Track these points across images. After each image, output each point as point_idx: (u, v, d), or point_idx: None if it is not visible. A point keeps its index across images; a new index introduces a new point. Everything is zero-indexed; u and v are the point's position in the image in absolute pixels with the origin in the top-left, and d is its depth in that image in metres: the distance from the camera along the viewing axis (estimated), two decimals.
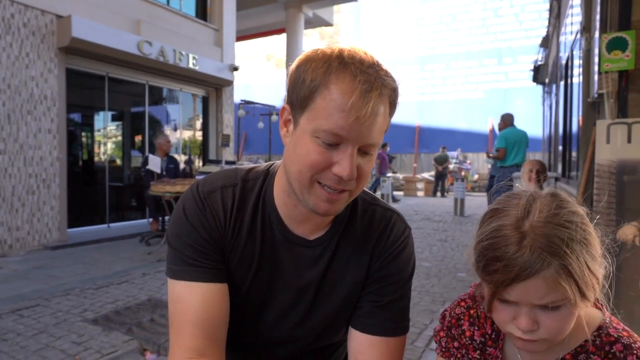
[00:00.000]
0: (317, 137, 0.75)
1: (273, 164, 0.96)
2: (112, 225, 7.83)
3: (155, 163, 6.32)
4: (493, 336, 0.82)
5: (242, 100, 11.39)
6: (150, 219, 7.21)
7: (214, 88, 9.79)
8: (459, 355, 0.84)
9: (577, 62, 4.56)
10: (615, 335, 0.73)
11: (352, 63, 0.74)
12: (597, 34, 3.05)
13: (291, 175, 0.81)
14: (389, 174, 14.09)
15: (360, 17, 23.79)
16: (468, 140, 19.74)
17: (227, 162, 7.84)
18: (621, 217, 2.42)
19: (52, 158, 6.44)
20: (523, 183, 3.51)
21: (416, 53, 22.34)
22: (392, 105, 0.80)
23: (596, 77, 3.01)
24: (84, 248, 6.32)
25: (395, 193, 14.63)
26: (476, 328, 0.83)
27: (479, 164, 18.95)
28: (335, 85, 0.73)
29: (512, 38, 20.41)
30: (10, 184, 5.92)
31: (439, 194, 15.40)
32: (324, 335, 0.95)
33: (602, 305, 0.77)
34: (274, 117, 12.75)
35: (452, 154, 16.42)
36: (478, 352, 0.83)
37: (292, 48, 12.98)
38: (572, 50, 5.17)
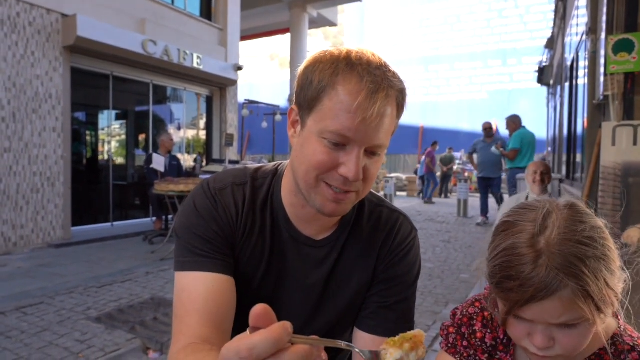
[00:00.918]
0: (324, 137, 0.75)
1: (281, 163, 0.96)
2: (116, 223, 7.86)
3: (159, 162, 6.34)
4: (505, 341, 0.81)
5: (246, 100, 11.42)
6: (154, 218, 7.23)
7: (218, 87, 9.81)
8: (465, 355, 0.83)
9: (582, 63, 4.54)
10: (631, 344, 0.71)
11: (359, 64, 0.74)
12: (603, 36, 3.03)
13: (298, 175, 0.81)
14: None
15: (364, 17, 23.78)
16: (472, 141, 19.65)
17: (231, 162, 7.85)
18: (626, 220, 2.41)
19: (57, 156, 6.47)
20: (527, 185, 3.50)
21: (420, 53, 22.31)
22: (400, 107, 0.80)
23: (602, 79, 3.00)
24: (88, 246, 6.34)
25: (398, 193, 14.61)
26: (488, 331, 0.81)
27: None
28: (342, 86, 0.73)
29: (517, 39, 20.35)
30: (15, 182, 5.95)
31: (442, 195, 15.38)
32: (330, 335, 0.95)
33: (616, 312, 0.75)
34: (278, 117, 12.77)
35: (455, 154, 16.39)
36: (487, 355, 0.81)
37: (296, 48, 12.98)
38: (577, 52, 5.14)
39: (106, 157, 8.13)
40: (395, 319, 0.90)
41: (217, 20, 9.67)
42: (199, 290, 0.80)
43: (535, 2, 19.83)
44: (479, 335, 0.82)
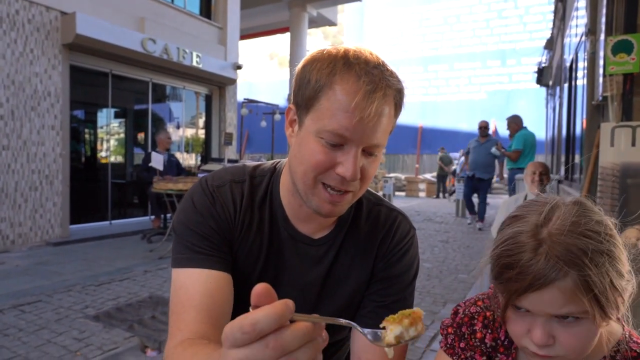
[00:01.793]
0: (321, 137, 0.75)
1: (279, 161, 0.96)
2: (114, 222, 7.85)
3: (157, 160, 6.33)
4: (506, 343, 0.79)
5: (245, 99, 11.41)
6: (152, 217, 7.23)
7: (217, 86, 9.80)
8: (462, 357, 0.81)
9: (581, 64, 4.55)
10: (638, 350, 0.69)
11: (356, 64, 0.74)
12: (602, 37, 3.04)
13: (296, 176, 0.81)
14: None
15: (364, 17, 23.78)
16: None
17: (230, 161, 7.85)
18: (624, 220, 2.41)
19: (55, 154, 6.46)
20: (526, 185, 3.51)
21: (420, 54, 22.33)
22: (398, 107, 0.80)
23: (601, 79, 3.00)
24: (86, 245, 6.33)
25: (397, 193, 14.64)
26: (489, 331, 0.79)
27: None
28: (340, 85, 0.73)
29: (516, 40, 20.37)
30: (13, 179, 5.94)
31: (440, 195, 15.42)
32: (328, 333, 0.95)
33: (619, 318, 0.73)
34: (277, 116, 12.76)
35: (454, 155, 16.43)
36: (485, 357, 0.79)
37: (295, 47, 12.97)
38: (576, 53, 5.15)
39: (105, 155, 8.13)
40: None
41: (216, 18, 9.66)
42: (196, 287, 0.80)
43: (535, 3, 19.85)
44: (478, 335, 0.80)
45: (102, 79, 7.60)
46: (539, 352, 0.66)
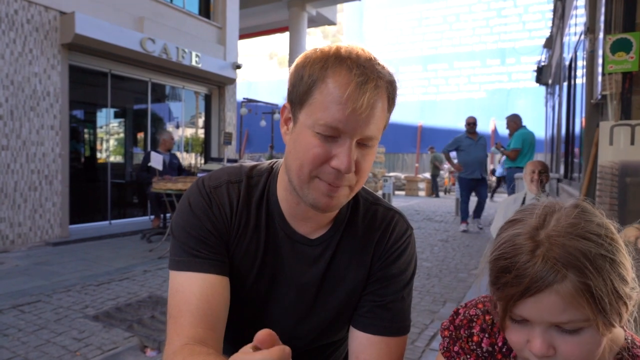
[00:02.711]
0: (315, 131, 0.76)
1: (276, 161, 0.96)
2: (114, 222, 7.85)
3: (157, 160, 6.32)
4: (504, 350, 0.76)
5: (244, 99, 11.41)
6: (152, 216, 7.22)
7: (216, 86, 9.80)
8: (458, 359, 0.80)
9: (580, 63, 4.55)
10: None
11: (348, 58, 0.75)
12: (601, 35, 3.04)
13: (292, 172, 0.81)
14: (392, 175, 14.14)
15: (363, 16, 23.77)
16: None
17: (229, 160, 7.85)
18: (623, 219, 2.41)
19: (55, 154, 6.46)
20: (525, 184, 3.51)
21: (419, 53, 22.32)
22: (390, 100, 0.80)
23: (600, 78, 3.00)
24: (86, 244, 6.33)
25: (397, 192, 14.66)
26: (486, 335, 0.77)
27: None
28: (332, 78, 0.74)
29: (516, 39, 20.37)
30: (12, 180, 5.94)
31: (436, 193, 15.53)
32: (325, 333, 0.95)
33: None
34: (277, 116, 12.77)
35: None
36: None
37: (295, 47, 12.97)
38: (575, 52, 5.15)
39: (104, 155, 8.12)
40: (391, 317, 0.90)
41: (215, 18, 9.65)
42: (192, 291, 0.80)
43: (534, 2, 19.83)
44: (475, 339, 0.78)
45: (102, 79, 7.59)
46: None
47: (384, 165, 15.92)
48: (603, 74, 2.91)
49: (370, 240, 0.93)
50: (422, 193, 16.18)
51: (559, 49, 7.99)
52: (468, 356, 0.79)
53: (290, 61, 13.58)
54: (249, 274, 0.89)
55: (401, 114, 19.89)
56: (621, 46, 2.74)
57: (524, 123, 7.12)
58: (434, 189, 15.46)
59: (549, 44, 10.92)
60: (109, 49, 6.93)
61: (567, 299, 0.58)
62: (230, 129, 10.03)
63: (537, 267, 0.59)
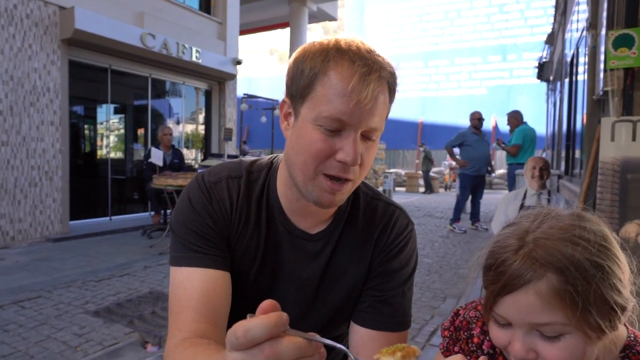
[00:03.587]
0: (319, 125, 0.75)
1: (276, 156, 0.96)
2: (114, 218, 7.85)
3: (157, 156, 6.31)
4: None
5: (245, 94, 11.38)
6: (152, 212, 7.22)
7: (217, 82, 9.78)
8: None
9: (582, 59, 4.53)
10: None
11: (349, 50, 0.75)
12: (603, 31, 3.02)
13: (295, 167, 0.80)
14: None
15: (364, 12, 23.69)
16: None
17: (230, 156, 7.84)
18: (624, 215, 2.41)
19: (55, 150, 6.45)
20: (526, 180, 3.50)
21: (420, 49, 22.25)
22: (392, 91, 0.80)
23: (601, 74, 2.98)
24: (86, 240, 6.34)
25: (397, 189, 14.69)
26: (487, 338, 0.76)
27: None
28: (334, 71, 0.73)
29: (517, 35, 20.29)
30: (12, 175, 5.94)
31: (427, 189, 15.62)
32: (326, 329, 0.95)
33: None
34: (277, 112, 12.75)
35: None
36: None
37: (295, 42, 12.93)
38: (577, 48, 5.13)
39: (104, 151, 8.12)
40: (392, 312, 0.90)
41: (216, 13, 9.61)
42: (194, 287, 0.80)
43: None
44: (475, 340, 0.77)
45: (102, 75, 7.57)
46: None
47: (385, 161, 15.90)
48: (605, 70, 2.89)
49: (371, 235, 0.93)
50: (422, 189, 16.20)
51: (561, 45, 7.96)
52: (468, 357, 0.78)
53: (291, 57, 13.55)
54: (250, 270, 0.89)
55: (402, 110, 19.84)
56: (623, 42, 2.72)
57: (525, 119, 7.10)
58: (427, 185, 15.54)
59: (551, 40, 10.88)
60: (109, 44, 6.91)
61: (545, 298, 0.57)
62: (231, 124, 10.01)
63: (516, 265, 0.60)
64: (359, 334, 0.90)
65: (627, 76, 2.84)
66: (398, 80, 0.81)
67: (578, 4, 5.16)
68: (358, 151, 0.75)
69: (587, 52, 3.79)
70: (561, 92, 7.75)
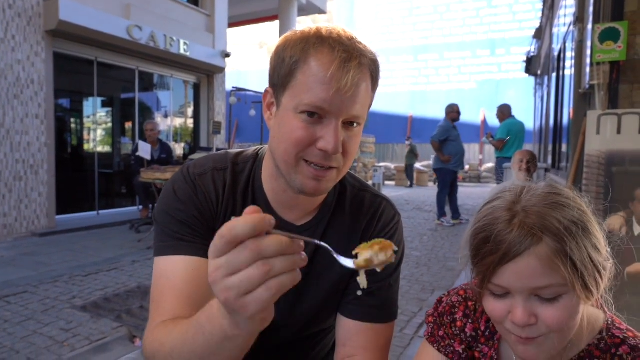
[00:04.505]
0: (300, 112, 0.74)
1: (261, 148, 0.95)
2: (102, 212, 7.77)
3: (145, 150, 6.24)
4: (487, 334, 0.78)
5: (234, 88, 11.28)
6: (140, 207, 7.15)
7: (205, 75, 9.68)
8: (442, 344, 0.81)
9: (569, 54, 4.57)
10: (621, 337, 0.68)
11: (329, 37, 0.74)
12: (590, 25, 3.04)
13: (278, 156, 0.80)
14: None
15: (354, 5, 23.62)
16: (460, 131, 19.75)
17: (218, 150, 7.78)
18: (609, 208, 2.44)
19: (40, 144, 6.34)
20: (513, 173, 3.54)
21: (410, 43, 22.28)
22: (374, 79, 0.79)
23: (588, 68, 3.01)
24: (73, 235, 6.26)
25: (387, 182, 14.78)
26: (469, 321, 0.79)
27: (470, 155, 19.05)
28: (314, 57, 0.73)
29: (506, 29, 20.43)
30: None
31: (408, 183, 15.81)
32: (313, 322, 0.95)
33: (601, 304, 0.72)
34: (262, 97, 12.68)
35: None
36: (463, 346, 0.79)
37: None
38: (564, 42, 5.17)
39: (91, 144, 8.01)
40: (379, 304, 0.90)
41: (204, 5, 9.50)
42: (176, 274, 0.78)
43: None
44: (458, 324, 0.79)
45: (87, 67, 7.45)
46: (522, 334, 0.64)
47: (374, 155, 15.93)
48: (591, 64, 2.92)
49: (358, 227, 0.92)
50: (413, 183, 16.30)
51: (549, 39, 8.02)
52: (452, 341, 0.80)
53: None
54: None
55: (391, 104, 19.88)
56: (609, 35, 2.75)
57: (513, 113, 7.11)
58: (409, 178, 15.66)
59: (539, 34, 10.96)
60: (95, 36, 6.80)
61: (545, 261, 0.60)
62: (220, 118, 9.94)
63: (514, 234, 0.62)
64: (346, 326, 0.90)
65: (613, 70, 2.88)
66: (382, 68, 0.80)
67: None
68: (339, 139, 0.74)
69: (574, 47, 3.82)
70: (548, 86, 7.82)
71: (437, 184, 7.82)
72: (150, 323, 0.77)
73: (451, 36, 21.55)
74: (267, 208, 0.89)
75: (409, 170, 15.82)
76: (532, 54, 11.77)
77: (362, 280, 0.57)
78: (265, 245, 0.46)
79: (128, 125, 8.80)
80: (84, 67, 7.45)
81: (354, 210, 0.93)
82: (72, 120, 7.94)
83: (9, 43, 5.91)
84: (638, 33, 2.80)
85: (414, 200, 11.08)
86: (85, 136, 8.08)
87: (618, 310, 0.73)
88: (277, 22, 13.55)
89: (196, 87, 9.85)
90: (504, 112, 7.04)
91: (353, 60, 0.72)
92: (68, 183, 7.20)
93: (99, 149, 8.09)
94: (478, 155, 19.52)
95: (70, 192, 7.29)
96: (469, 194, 11.96)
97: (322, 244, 0.54)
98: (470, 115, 19.62)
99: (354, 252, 0.56)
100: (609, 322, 0.71)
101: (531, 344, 0.65)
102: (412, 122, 21.06)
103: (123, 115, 8.72)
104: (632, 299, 2.19)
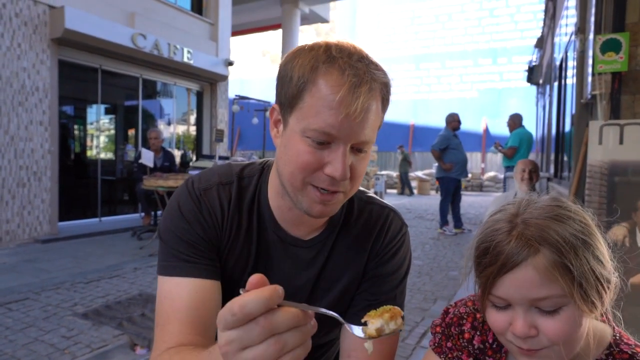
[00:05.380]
0: (307, 136, 0.72)
1: (267, 161, 0.94)
2: (104, 219, 7.78)
3: (148, 157, 6.27)
4: (495, 346, 0.77)
5: (236, 96, 11.34)
6: (142, 214, 7.16)
7: (208, 83, 9.74)
8: (450, 356, 0.81)
9: (571, 63, 4.58)
10: (629, 352, 0.67)
11: (340, 57, 0.71)
12: (591, 36, 3.06)
13: (284, 177, 0.78)
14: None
15: (356, 14, 23.77)
16: (462, 140, 19.75)
17: (221, 158, 7.81)
18: (612, 218, 2.44)
19: (44, 151, 6.38)
20: (516, 183, 3.53)
21: (412, 51, 22.37)
22: (385, 101, 0.77)
23: (590, 78, 3.02)
24: (75, 242, 6.27)
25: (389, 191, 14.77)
26: (478, 333, 0.78)
27: (472, 163, 19.04)
28: (323, 80, 0.70)
29: (507, 38, 20.51)
30: (0, 176, 5.86)
31: (407, 191, 15.77)
32: (317, 333, 0.95)
33: (608, 319, 0.72)
34: (269, 113, 12.73)
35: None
36: (471, 358, 0.79)
37: (287, 44, 12.93)
38: (566, 52, 5.19)
39: (95, 151, 8.04)
40: None
41: (207, 14, 9.59)
42: (182, 297, 0.78)
43: (526, 2, 19.98)
44: (466, 336, 0.79)
45: (92, 75, 7.51)
46: (523, 345, 0.64)
47: (376, 163, 15.95)
48: (593, 74, 2.93)
49: (366, 240, 0.92)
50: (414, 192, 16.27)
51: (550, 49, 8.05)
52: (460, 352, 0.80)
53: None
54: (241, 279, 0.87)
55: (393, 113, 19.90)
56: (611, 46, 2.76)
57: (524, 123, 7.17)
58: (407, 186, 15.66)
59: (540, 44, 11.00)
60: (100, 44, 6.86)
61: (542, 272, 0.61)
62: (222, 126, 9.98)
63: (512, 244, 0.63)
64: (350, 337, 0.90)
65: (615, 80, 2.89)
66: (392, 88, 0.78)
67: (567, 8, 5.23)
68: (347, 166, 0.72)
69: (575, 56, 3.84)
70: (550, 95, 7.83)
71: (439, 192, 7.81)
72: (154, 350, 0.77)
73: (453, 45, 21.64)
74: (273, 224, 0.88)
75: (403, 178, 15.79)
76: (533, 63, 11.80)
77: (369, 347, 0.57)
78: (277, 322, 0.45)
79: (131, 132, 8.84)
80: (89, 75, 7.51)
81: (362, 224, 0.92)
82: (76, 127, 7.98)
83: (15, 51, 5.97)
84: (639, 44, 2.82)
85: (415, 208, 11.06)
86: (89, 143, 8.12)
87: (621, 321, 0.73)
88: (280, 31, 13.65)
89: (199, 95, 9.91)
90: (515, 121, 7.10)
91: (363, 85, 0.69)
92: (71, 190, 7.22)
93: (102, 156, 8.13)
94: (480, 164, 19.51)
95: (72, 199, 7.31)
96: (471, 203, 11.94)
97: (332, 313, 0.53)
98: (472, 124, 19.65)
99: (362, 320, 0.56)
100: (617, 337, 0.70)
101: (534, 356, 0.64)
102: (414, 130, 21.09)
103: (126, 123, 8.77)
104: (636, 309, 2.18)
